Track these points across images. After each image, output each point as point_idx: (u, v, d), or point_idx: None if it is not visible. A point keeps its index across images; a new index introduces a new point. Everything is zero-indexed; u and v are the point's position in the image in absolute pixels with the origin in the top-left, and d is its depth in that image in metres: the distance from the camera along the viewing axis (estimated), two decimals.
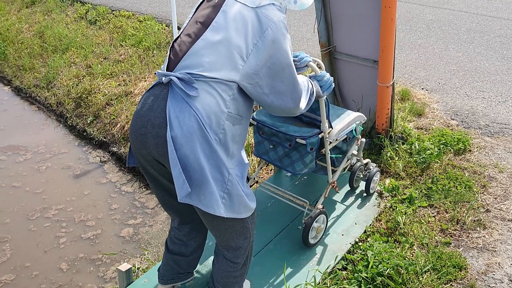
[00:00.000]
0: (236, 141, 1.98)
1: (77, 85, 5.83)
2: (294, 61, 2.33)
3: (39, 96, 6.13)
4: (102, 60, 6.20)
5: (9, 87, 6.62)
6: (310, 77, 2.32)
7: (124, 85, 5.59)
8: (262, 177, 3.64)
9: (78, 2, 8.14)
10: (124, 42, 6.53)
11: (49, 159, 4.99)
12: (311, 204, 2.79)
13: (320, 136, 2.56)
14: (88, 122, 5.37)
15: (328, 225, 2.87)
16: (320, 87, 2.33)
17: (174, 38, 2.03)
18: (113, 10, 7.58)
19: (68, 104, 5.70)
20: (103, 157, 5.03)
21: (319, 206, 2.69)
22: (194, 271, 2.44)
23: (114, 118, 5.17)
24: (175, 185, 1.83)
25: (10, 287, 3.45)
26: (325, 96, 2.41)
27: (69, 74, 6.05)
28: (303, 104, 2.11)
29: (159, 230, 3.98)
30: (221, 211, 1.91)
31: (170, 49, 1.97)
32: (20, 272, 3.58)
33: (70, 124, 5.56)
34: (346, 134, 2.77)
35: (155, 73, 2.01)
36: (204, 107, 1.83)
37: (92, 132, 5.27)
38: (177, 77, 1.83)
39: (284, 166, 2.69)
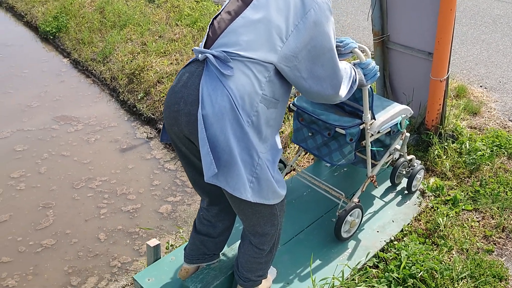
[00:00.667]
0: (270, 125, 1.92)
1: (131, 61, 5.93)
2: (338, 46, 2.24)
3: (95, 70, 6.30)
4: (157, 38, 6.28)
5: (68, 59, 6.84)
6: (354, 64, 2.22)
7: (176, 64, 5.63)
8: (302, 165, 3.58)
9: None
10: (179, 21, 6.58)
11: (98, 132, 5.12)
12: (347, 197, 2.70)
13: (361, 127, 2.46)
14: (139, 98, 5.46)
15: (363, 220, 2.77)
16: (364, 75, 2.23)
17: (215, 15, 1.99)
18: None
19: (121, 79, 5.82)
20: (150, 133, 5.10)
21: (355, 199, 2.60)
22: (220, 253, 2.42)
23: (163, 96, 5.23)
24: (203, 165, 1.80)
25: (49, 252, 3.58)
26: (369, 85, 2.30)
27: (125, 50, 6.17)
28: (343, 92, 2.02)
29: (197, 210, 4.00)
30: (248, 195, 1.87)
31: (209, 26, 1.93)
32: (60, 238, 3.71)
33: (122, 99, 5.68)
34: (390, 127, 2.64)
35: (192, 50, 1.98)
36: (238, 87, 1.78)
37: (141, 108, 5.36)
38: (212, 55, 1.79)
39: (321, 155, 2.61)
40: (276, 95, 1.89)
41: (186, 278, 2.33)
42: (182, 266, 2.35)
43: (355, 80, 2.11)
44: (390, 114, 2.61)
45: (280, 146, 2.02)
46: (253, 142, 1.83)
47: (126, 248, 3.65)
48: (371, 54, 2.91)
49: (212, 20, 1.94)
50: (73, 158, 4.68)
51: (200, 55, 1.85)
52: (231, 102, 1.77)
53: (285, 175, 2.97)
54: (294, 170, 2.93)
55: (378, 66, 2.26)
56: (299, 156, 2.98)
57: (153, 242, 2.48)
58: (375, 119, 2.52)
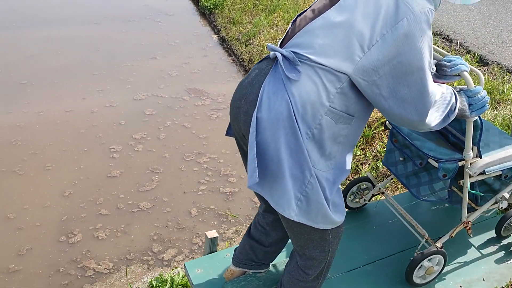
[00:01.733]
0: (338, 142, 1.71)
1: None
2: (444, 66, 1.91)
3: (237, 50, 6.45)
4: None
5: (217, 36, 7.11)
6: (459, 90, 1.88)
7: None
8: (393, 190, 3.22)
9: None
10: None
11: (222, 110, 5.25)
12: (432, 238, 2.34)
13: (460, 163, 2.09)
14: None
15: (448, 268, 2.39)
16: (469, 105, 1.87)
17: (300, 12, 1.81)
18: None
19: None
20: None
21: (438, 244, 2.24)
22: (270, 264, 2.28)
23: None
24: (247, 171, 1.68)
25: (143, 215, 3.78)
26: (475, 117, 1.93)
27: (268, 34, 6.20)
28: (433, 120, 1.72)
29: None
30: (292, 213, 1.70)
31: (291, 23, 1.77)
32: (157, 204, 3.89)
33: None
34: (502, 170, 2.21)
35: (266, 46, 1.83)
36: (301, 94, 1.60)
37: None
38: (282, 54, 1.64)
39: (409, 186, 2.29)
40: (350, 110, 1.67)
41: (229, 279, 2.24)
42: (229, 267, 2.27)
43: (454, 109, 1.78)
44: (504, 155, 2.17)
45: (348, 167, 1.80)
46: (308, 157, 1.65)
47: (211, 229, 3.68)
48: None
49: (296, 17, 1.77)
50: (191, 131, 4.86)
51: (272, 53, 1.70)
52: (289, 109, 1.60)
53: (372, 197, 2.69)
54: (383, 193, 2.63)
55: (489, 98, 1.87)
56: (391, 179, 2.67)
57: (211, 233, 2.44)
58: (480, 157, 2.12)
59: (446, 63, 1.91)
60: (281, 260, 2.37)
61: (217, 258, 2.43)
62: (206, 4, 7.72)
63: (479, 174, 2.16)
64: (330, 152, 1.71)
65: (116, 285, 3.22)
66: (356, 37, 1.56)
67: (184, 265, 2.38)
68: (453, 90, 1.81)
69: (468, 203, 2.26)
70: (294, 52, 1.63)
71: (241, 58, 6.25)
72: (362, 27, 1.56)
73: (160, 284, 2.94)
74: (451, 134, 2.21)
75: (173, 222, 3.74)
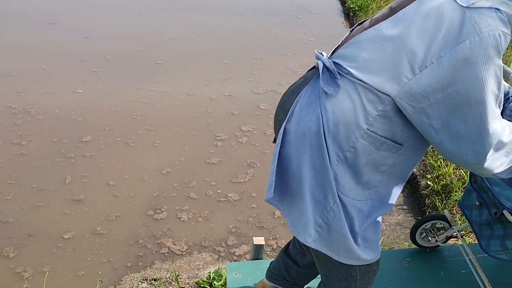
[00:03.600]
0: (382, 171, 1.53)
1: None
2: None
3: None
4: None
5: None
6: None
7: None
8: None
9: None
10: None
11: None
12: None
13: None
14: None
15: None
16: None
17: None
18: None
19: None
20: None
21: None
22: (303, 286, 2.13)
23: None
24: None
25: (228, 205, 3.83)
26: None
27: None
28: (497, 166, 1.43)
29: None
30: (308, 239, 1.56)
31: (349, 31, 1.62)
32: (244, 198, 3.91)
33: None
34: None
35: (315, 53, 1.69)
36: (336, 111, 1.45)
37: None
38: (324, 64, 1.50)
39: (479, 236, 1.95)
40: (396, 137, 1.47)
41: None
42: (262, 278, 2.18)
43: None
44: None
45: (391, 201, 1.60)
46: (334, 180, 1.49)
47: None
48: None
49: (356, 25, 1.61)
50: None
51: (317, 62, 1.57)
52: (319, 125, 1.46)
53: (447, 239, 2.36)
54: (462, 237, 2.29)
55: None
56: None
57: (258, 240, 2.37)
58: None
59: None
60: (315, 285, 2.20)
61: (258, 266, 2.35)
62: (351, 6, 7.51)
63: None
64: (369, 181, 1.52)
65: (183, 268, 3.32)
66: (406, 55, 1.36)
67: (226, 265, 2.35)
68: None
69: None
70: (336, 64, 1.48)
71: None
72: (415, 45, 1.35)
73: (216, 277, 2.95)
74: None
75: (255, 219, 3.73)
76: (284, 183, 1.55)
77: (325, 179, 1.48)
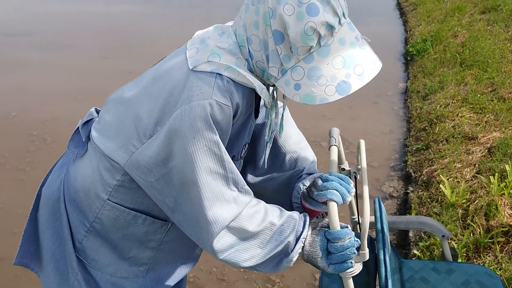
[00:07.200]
0: (152, 247, 1.37)
1: (441, 106, 5.05)
2: (314, 185, 1.31)
3: (410, 104, 5.73)
4: (489, 90, 5.09)
5: (404, 84, 6.45)
6: (321, 227, 1.22)
7: (488, 129, 4.44)
8: None
9: None
10: None
11: None
12: None
13: None
14: (415, 149, 4.67)
15: None
16: (328, 254, 1.19)
17: None
18: None
19: (419, 121, 5.08)
20: (396, 190, 4.35)
21: None
22: None
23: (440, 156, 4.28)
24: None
25: None
26: (333, 272, 1.21)
27: (448, 93, 5.32)
28: (245, 259, 1.20)
29: None
30: None
31: None
32: None
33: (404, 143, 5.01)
34: None
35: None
36: (77, 176, 1.34)
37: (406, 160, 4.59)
38: (83, 122, 1.39)
39: None
40: (153, 211, 1.31)
41: None
42: None
43: (290, 252, 1.19)
44: None
45: (169, 282, 1.40)
46: (82, 253, 1.35)
47: None
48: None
49: None
50: None
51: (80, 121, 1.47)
52: (60, 191, 1.34)
53: None
54: None
55: (355, 253, 1.16)
56: None
57: None
58: None
59: (320, 181, 1.29)
60: None
61: None
62: (410, 50, 7.09)
63: None
64: (137, 257, 1.36)
65: None
66: (134, 121, 1.21)
67: None
68: (305, 224, 1.20)
69: None
70: (87, 122, 1.36)
71: (410, 113, 5.52)
72: (144, 109, 1.20)
73: None
74: None
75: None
76: (38, 249, 1.44)
77: (66, 251, 1.35)
